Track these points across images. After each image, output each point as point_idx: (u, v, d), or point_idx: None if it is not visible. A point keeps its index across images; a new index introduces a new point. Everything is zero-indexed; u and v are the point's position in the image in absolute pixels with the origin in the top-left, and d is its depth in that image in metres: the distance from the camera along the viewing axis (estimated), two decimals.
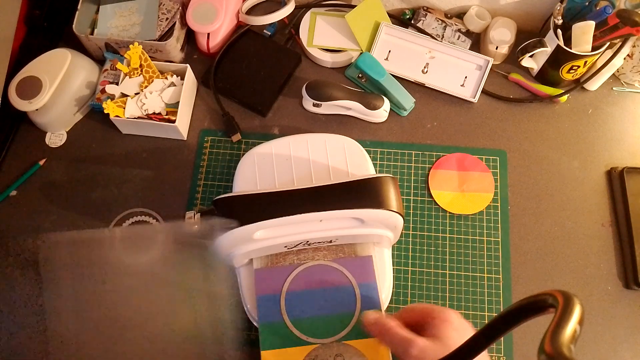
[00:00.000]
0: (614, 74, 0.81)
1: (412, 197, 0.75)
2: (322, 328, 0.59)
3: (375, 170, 0.71)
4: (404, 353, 0.46)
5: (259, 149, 0.69)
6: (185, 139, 0.79)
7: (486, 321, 0.69)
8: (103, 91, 0.78)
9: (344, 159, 0.68)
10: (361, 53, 0.81)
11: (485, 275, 0.71)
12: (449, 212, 0.74)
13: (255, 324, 0.63)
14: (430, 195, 0.75)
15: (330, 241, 0.62)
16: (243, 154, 0.71)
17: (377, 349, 0.60)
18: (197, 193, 0.76)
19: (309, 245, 0.62)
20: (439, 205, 0.74)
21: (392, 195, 0.59)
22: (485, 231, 0.73)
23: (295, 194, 0.58)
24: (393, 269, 0.69)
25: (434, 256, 0.72)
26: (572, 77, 0.79)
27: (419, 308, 0.52)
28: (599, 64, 0.76)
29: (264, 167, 0.67)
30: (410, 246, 0.72)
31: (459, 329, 0.48)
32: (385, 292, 0.64)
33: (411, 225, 0.73)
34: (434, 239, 0.73)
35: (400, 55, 0.82)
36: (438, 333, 0.47)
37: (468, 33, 0.83)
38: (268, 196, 0.58)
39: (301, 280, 0.62)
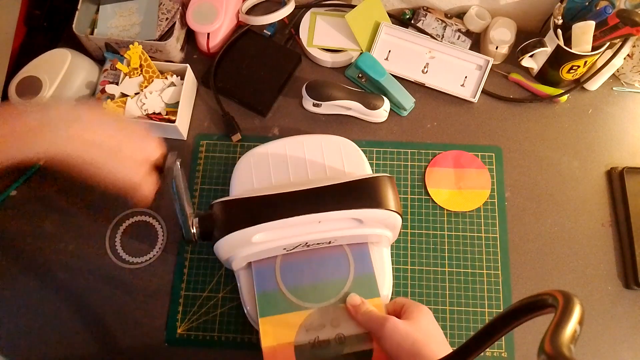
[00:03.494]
0: (614, 74, 0.81)
1: (409, 196, 0.75)
2: (318, 293, 0.61)
3: (372, 170, 0.71)
4: (379, 328, 0.55)
5: (255, 152, 0.69)
6: (185, 139, 0.79)
7: (486, 318, 0.69)
8: (103, 91, 0.78)
9: (340, 159, 0.68)
10: (361, 53, 0.81)
11: (485, 271, 0.71)
12: (447, 210, 0.74)
13: (255, 326, 0.63)
14: (427, 194, 0.75)
15: (330, 242, 0.62)
16: (239, 157, 0.71)
17: None
18: (194, 197, 0.75)
19: (308, 247, 0.63)
20: (436, 203, 0.74)
21: (390, 194, 0.59)
22: (483, 228, 0.73)
23: (292, 196, 0.58)
24: (392, 267, 0.69)
25: (432, 254, 0.72)
26: (572, 77, 0.79)
27: (398, 301, 0.60)
28: (599, 64, 0.76)
29: (260, 169, 0.67)
30: (409, 245, 0.72)
31: (428, 317, 0.57)
32: (385, 291, 0.64)
33: (409, 224, 0.73)
34: (432, 237, 0.73)
35: (400, 55, 0.82)
36: (411, 316, 0.56)
37: (468, 33, 0.83)
38: (265, 199, 0.58)
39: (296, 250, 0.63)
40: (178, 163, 0.55)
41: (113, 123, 0.52)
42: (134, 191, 0.54)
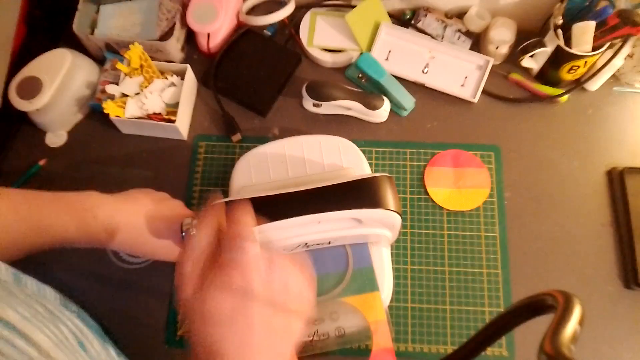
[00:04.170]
0: (614, 74, 0.81)
1: (408, 195, 0.75)
2: (316, 287, 0.61)
3: (371, 170, 0.71)
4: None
5: (254, 152, 0.69)
6: (185, 139, 0.79)
7: (487, 317, 0.69)
8: (103, 91, 0.78)
9: (339, 159, 0.68)
10: (361, 53, 0.81)
11: (485, 270, 0.71)
12: (446, 209, 0.74)
13: None
14: (427, 193, 0.75)
15: (329, 242, 0.62)
16: (238, 158, 0.71)
17: (371, 304, 0.62)
18: (192, 199, 0.75)
19: (307, 247, 0.63)
20: (435, 202, 0.74)
21: (389, 194, 0.59)
22: (482, 227, 0.73)
23: (292, 197, 0.58)
24: (392, 267, 0.69)
25: (432, 253, 0.72)
26: (572, 77, 0.79)
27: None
28: (599, 64, 0.76)
29: (259, 170, 0.67)
30: (409, 244, 0.72)
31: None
32: (386, 291, 0.64)
33: (409, 223, 0.73)
34: (431, 236, 0.73)
35: (400, 55, 0.82)
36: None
37: (468, 33, 0.83)
38: (265, 200, 0.58)
39: None
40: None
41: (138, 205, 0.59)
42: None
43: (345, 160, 0.68)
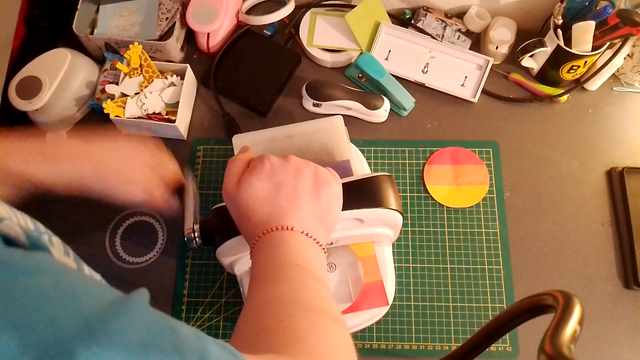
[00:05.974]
0: (614, 73, 0.81)
1: (408, 194, 0.75)
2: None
3: (370, 169, 0.71)
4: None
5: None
6: (185, 138, 0.79)
7: (490, 313, 0.69)
8: (103, 91, 0.78)
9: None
10: (361, 53, 0.81)
11: (486, 267, 0.71)
12: (446, 207, 0.74)
13: None
14: (427, 191, 0.75)
15: (332, 243, 0.62)
16: None
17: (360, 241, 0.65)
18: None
19: None
20: (435, 200, 0.74)
21: (390, 193, 0.59)
22: (483, 223, 0.73)
23: None
24: (395, 266, 0.69)
25: (434, 251, 0.72)
26: (572, 77, 0.79)
27: None
28: (599, 64, 0.76)
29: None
30: (410, 243, 0.72)
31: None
32: (389, 290, 0.64)
33: (409, 222, 0.73)
34: (432, 234, 0.73)
35: (400, 55, 0.82)
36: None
37: (468, 33, 0.83)
38: None
39: None
40: (192, 176, 0.60)
41: (123, 151, 0.61)
42: (155, 205, 0.62)
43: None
